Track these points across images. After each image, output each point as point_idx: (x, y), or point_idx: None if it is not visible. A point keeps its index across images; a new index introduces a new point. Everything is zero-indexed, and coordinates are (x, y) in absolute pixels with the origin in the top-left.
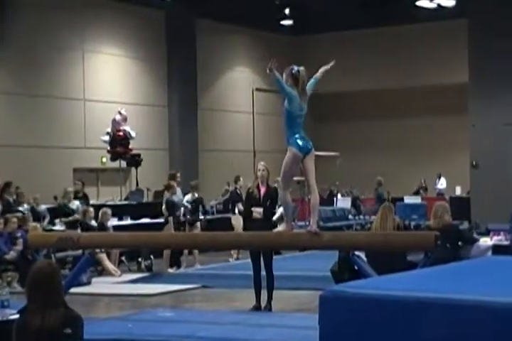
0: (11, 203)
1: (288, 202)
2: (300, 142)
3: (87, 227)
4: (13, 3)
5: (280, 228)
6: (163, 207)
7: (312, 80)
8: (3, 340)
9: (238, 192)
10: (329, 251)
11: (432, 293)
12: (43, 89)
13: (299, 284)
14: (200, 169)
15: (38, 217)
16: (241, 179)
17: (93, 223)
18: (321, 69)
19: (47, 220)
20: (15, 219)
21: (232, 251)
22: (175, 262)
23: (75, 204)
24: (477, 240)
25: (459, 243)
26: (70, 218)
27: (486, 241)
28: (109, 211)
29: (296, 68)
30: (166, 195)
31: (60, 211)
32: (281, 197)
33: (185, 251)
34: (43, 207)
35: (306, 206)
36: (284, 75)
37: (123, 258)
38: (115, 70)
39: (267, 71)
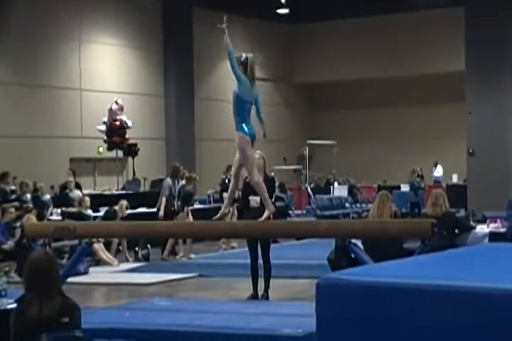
0: (9, 193)
1: (260, 183)
2: (246, 128)
3: (82, 217)
4: None
5: (265, 214)
6: (166, 197)
7: None
8: (1, 329)
9: (226, 181)
10: (326, 239)
11: (429, 279)
12: (40, 79)
13: (296, 273)
14: (197, 158)
15: (42, 206)
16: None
17: (89, 212)
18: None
19: (50, 210)
20: (13, 209)
21: (222, 242)
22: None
23: (77, 193)
24: (473, 227)
25: (456, 230)
26: (71, 209)
27: (482, 229)
28: (126, 203)
29: (244, 55)
30: (170, 183)
31: (60, 201)
32: (253, 182)
33: (180, 241)
34: (47, 197)
35: (302, 194)
36: None
37: (120, 247)
38: (112, 60)
39: (224, 36)
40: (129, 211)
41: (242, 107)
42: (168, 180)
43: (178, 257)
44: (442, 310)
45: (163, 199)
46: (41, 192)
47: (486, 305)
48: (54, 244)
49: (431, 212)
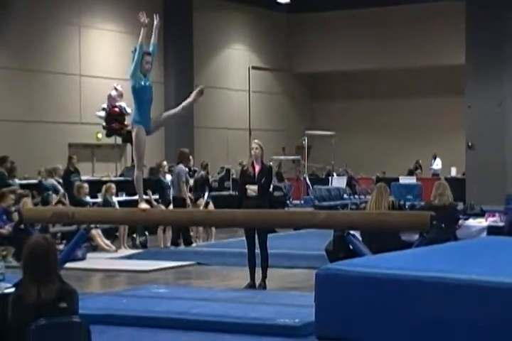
0: (6, 178)
1: (139, 179)
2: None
3: (80, 203)
4: None
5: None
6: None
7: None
8: None
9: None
10: (324, 229)
11: (428, 272)
12: (39, 64)
13: (294, 262)
14: (196, 146)
15: (45, 191)
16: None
17: (87, 199)
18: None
19: (61, 193)
20: (12, 195)
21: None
22: (185, 239)
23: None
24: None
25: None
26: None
27: (480, 223)
28: (113, 185)
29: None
30: (184, 169)
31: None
32: (136, 175)
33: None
34: (51, 181)
35: (300, 184)
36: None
37: (117, 233)
38: (111, 46)
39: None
40: (127, 197)
41: (141, 102)
42: (181, 166)
43: (194, 245)
44: (440, 301)
45: (184, 187)
46: (43, 176)
47: (484, 297)
48: (52, 229)
49: (438, 202)
